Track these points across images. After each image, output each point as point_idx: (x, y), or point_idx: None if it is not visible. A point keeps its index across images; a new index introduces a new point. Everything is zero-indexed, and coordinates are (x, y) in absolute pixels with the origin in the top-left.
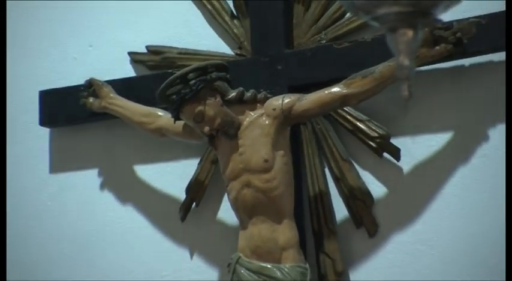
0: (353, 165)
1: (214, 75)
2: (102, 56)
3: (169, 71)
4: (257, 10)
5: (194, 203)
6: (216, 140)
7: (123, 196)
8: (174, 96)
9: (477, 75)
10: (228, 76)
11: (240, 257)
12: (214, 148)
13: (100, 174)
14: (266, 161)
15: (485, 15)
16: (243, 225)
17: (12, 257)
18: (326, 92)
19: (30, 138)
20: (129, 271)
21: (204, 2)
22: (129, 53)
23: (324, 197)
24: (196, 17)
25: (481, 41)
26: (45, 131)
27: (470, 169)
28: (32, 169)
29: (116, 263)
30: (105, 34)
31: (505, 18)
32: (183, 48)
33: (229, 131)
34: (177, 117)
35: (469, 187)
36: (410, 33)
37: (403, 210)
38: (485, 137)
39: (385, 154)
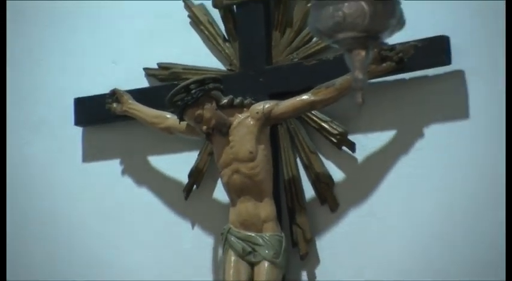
0: (318, 156)
1: (210, 86)
2: (123, 70)
3: (175, 82)
4: (244, 35)
5: (195, 186)
6: (212, 137)
7: (139, 180)
8: (179, 103)
9: (415, 86)
10: (221, 87)
11: (230, 228)
12: (210, 143)
13: (121, 163)
14: (251, 152)
15: (420, 39)
16: (233, 203)
17: (52, 231)
18: (298, 99)
19: (66, 135)
20: (144, 237)
21: (202, 27)
22: (144, 69)
23: (296, 181)
24: (196, 40)
25: (418, 59)
26: (79, 130)
27: (409, 159)
28: (68, 160)
29: (133, 231)
30: (124, 52)
31: (505, 18)
32: (186, 65)
33: (222, 130)
34: (181, 119)
35: (408, 173)
36: (363, 53)
37: (358, 191)
38: (420, 134)
39: (344, 147)
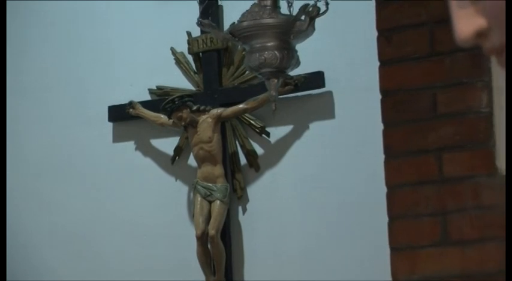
0: (248, 139)
1: (186, 99)
2: (136, 89)
3: (166, 97)
4: (205, 70)
5: (177, 157)
6: (187, 128)
7: (146, 152)
8: (168, 109)
9: (305, 99)
10: (192, 100)
11: (197, 181)
12: (186, 132)
13: (135, 143)
14: (210, 138)
15: (308, 73)
16: (199, 166)
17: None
18: (237, 107)
19: (103, 128)
20: (143, 187)
21: (181, 65)
22: (148, 89)
23: (235, 154)
24: (178, 72)
25: (306, 84)
26: (110, 125)
27: (306, 142)
28: (104, 141)
29: (137, 184)
30: (136, 77)
31: (505, 18)
32: (172, 87)
33: (193, 124)
34: (169, 118)
35: (307, 152)
36: (275, 81)
37: (271, 159)
38: (314, 129)
39: (263, 135)
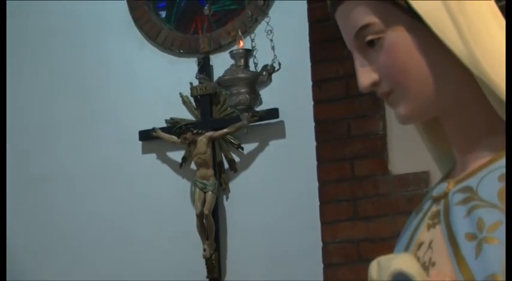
0: (229, 152)
1: (189, 126)
2: (156, 121)
3: (176, 125)
4: (202, 107)
5: (183, 163)
6: (190, 145)
7: (163, 160)
8: (177, 132)
9: (265, 126)
10: (193, 126)
11: (197, 179)
12: (189, 147)
13: (157, 157)
14: (204, 151)
15: (267, 109)
16: (197, 169)
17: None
18: (222, 131)
19: (136, 145)
20: (159, 184)
21: (186, 104)
22: (165, 120)
23: (221, 162)
24: (183, 108)
25: (266, 116)
26: (140, 143)
27: (267, 153)
28: (135, 155)
29: (157, 184)
30: (157, 112)
31: (506, 18)
32: (180, 118)
33: (194, 143)
34: (178, 138)
35: (268, 160)
36: (246, 114)
37: (245, 165)
38: (272, 145)
39: (239, 149)
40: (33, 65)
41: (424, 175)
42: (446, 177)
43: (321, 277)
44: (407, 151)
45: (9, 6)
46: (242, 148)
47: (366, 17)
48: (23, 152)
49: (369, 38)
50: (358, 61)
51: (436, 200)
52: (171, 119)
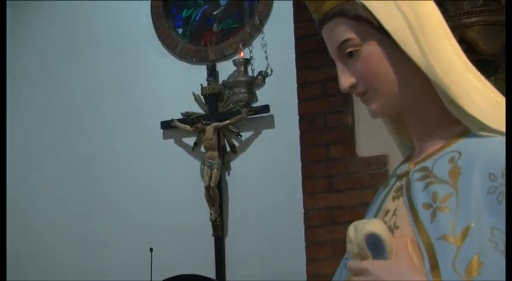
0: (230, 138)
1: (200, 118)
2: (175, 113)
3: (190, 117)
4: (210, 103)
5: (195, 147)
6: (201, 133)
7: (179, 144)
8: (191, 122)
9: (259, 119)
10: (203, 118)
11: (205, 159)
12: (200, 134)
13: (174, 142)
14: (211, 138)
15: (262, 105)
16: (206, 152)
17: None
18: (225, 122)
19: (157, 132)
20: (179, 165)
21: (197, 101)
22: (181, 113)
23: (224, 146)
24: (195, 104)
25: (259, 111)
26: (161, 131)
27: (260, 139)
28: (156, 142)
29: (175, 163)
30: (175, 106)
31: (506, 18)
32: (193, 112)
33: (203, 131)
34: (191, 127)
35: (261, 144)
36: (245, 109)
37: (243, 148)
38: (264, 133)
39: (238, 136)
40: (82, 69)
41: (384, 158)
42: (407, 159)
43: (303, 236)
44: (370, 139)
45: (67, 18)
46: (241, 135)
47: (346, 33)
48: (72, 137)
49: (349, 50)
50: (340, 68)
51: (400, 177)
52: (186, 112)
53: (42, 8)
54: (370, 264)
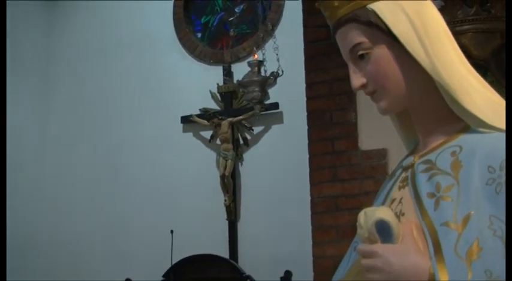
0: (244, 132)
1: (216, 113)
2: (194, 109)
3: (207, 112)
4: (225, 100)
5: (212, 139)
6: (217, 127)
7: (197, 137)
8: (208, 117)
9: (269, 114)
10: (219, 113)
11: (221, 151)
12: (216, 128)
13: (193, 135)
14: (226, 131)
15: (271, 102)
16: (221, 144)
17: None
18: (239, 117)
19: (177, 126)
20: (198, 155)
21: (214, 98)
22: (199, 109)
23: (237, 139)
24: (212, 101)
25: (270, 107)
26: (181, 125)
27: (271, 133)
28: (176, 134)
29: (193, 154)
30: (194, 103)
31: (506, 18)
32: (210, 108)
33: (219, 125)
34: (208, 122)
35: (271, 138)
36: (258, 106)
37: (255, 141)
38: (274, 128)
39: (251, 130)
40: (112, 68)
41: (383, 151)
42: (412, 153)
43: (309, 221)
44: (372, 134)
45: (100, 21)
46: (253, 130)
47: (358, 37)
48: (103, 128)
49: (360, 52)
50: (352, 69)
51: (405, 169)
52: (204, 108)
53: (79, 11)
54: (379, 247)
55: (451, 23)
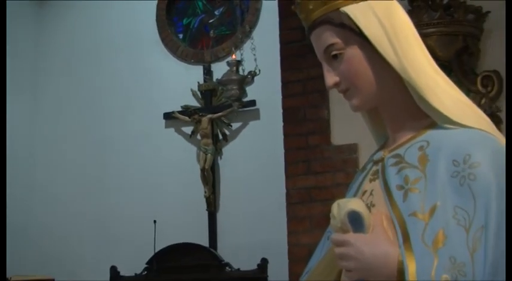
0: (222, 128)
1: (197, 110)
2: (176, 106)
3: (188, 109)
4: (205, 97)
5: (192, 134)
6: (197, 123)
7: (179, 132)
8: (189, 114)
9: (247, 111)
10: (199, 110)
11: (201, 145)
12: (196, 124)
13: (174, 129)
14: (206, 127)
15: (249, 100)
16: (202, 139)
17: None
18: (218, 114)
19: (160, 122)
20: (179, 150)
21: (195, 96)
22: (181, 106)
23: (217, 134)
24: (193, 98)
25: (247, 105)
26: (163, 121)
27: (248, 129)
28: (160, 129)
29: (174, 148)
30: (176, 100)
31: (506, 18)
32: (191, 105)
33: (199, 121)
34: (189, 118)
35: (248, 133)
36: (236, 103)
37: (233, 136)
38: (251, 124)
39: (229, 126)
40: (97, 67)
41: (354, 146)
42: (382, 147)
43: (285, 211)
44: (343, 129)
45: (87, 22)
46: (231, 126)
47: (332, 38)
48: (89, 124)
49: (334, 52)
50: (325, 68)
51: (376, 162)
52: (185, 105)
53: (69, 11)
54: (351, 237)
55: (418, 26)
